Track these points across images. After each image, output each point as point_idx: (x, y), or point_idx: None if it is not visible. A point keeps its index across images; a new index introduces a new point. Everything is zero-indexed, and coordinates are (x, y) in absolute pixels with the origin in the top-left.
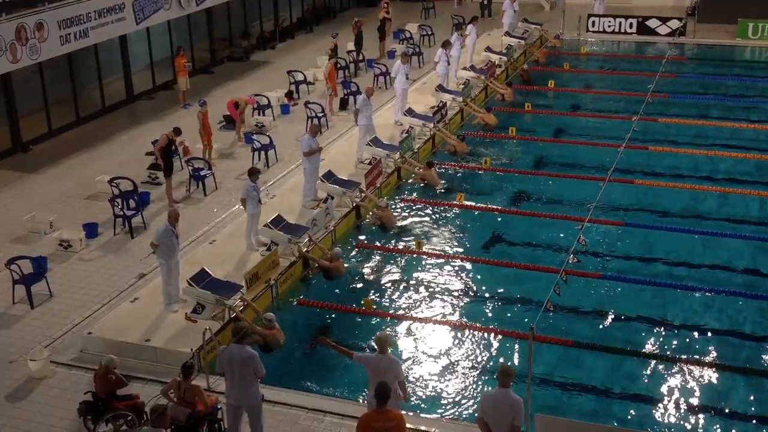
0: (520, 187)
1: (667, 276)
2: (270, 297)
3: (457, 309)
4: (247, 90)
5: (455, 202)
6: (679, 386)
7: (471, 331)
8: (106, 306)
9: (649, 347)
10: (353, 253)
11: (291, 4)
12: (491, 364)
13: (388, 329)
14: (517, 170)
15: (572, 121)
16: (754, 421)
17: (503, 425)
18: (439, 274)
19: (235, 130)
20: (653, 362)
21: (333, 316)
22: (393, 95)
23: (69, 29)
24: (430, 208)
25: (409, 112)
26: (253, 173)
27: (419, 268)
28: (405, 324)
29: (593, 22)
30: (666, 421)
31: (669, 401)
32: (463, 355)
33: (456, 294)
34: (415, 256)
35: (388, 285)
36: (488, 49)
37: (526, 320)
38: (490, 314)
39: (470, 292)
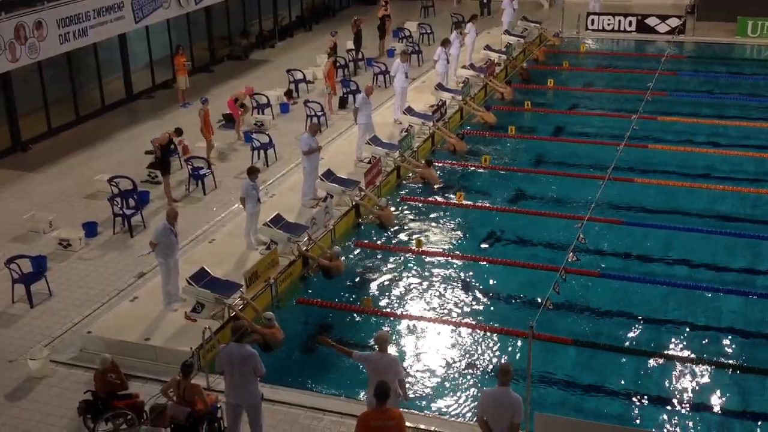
0: (520, 185)
1: (667, 274)
2: (269, 296)
3: (457, 307)
4: None
5: (455, 201)
6: (679, 385)
7: (470, 330)
8: (106, 305)
9: (649, 346)
10: (353, 252)
11: (290, 2)
12: (491, 362)
13: (387, 328)
14: (516, 169)
15: (571, 120)
16: (749, 419)
17: (503, 423)
18: (439, 273)
19: (234, 129)
20: (653, 360)
21: (332, 315)
22: (392, 94)
23: (68, 28)
24: (430, 206)
25: (409, 111)
26: (253, 172)
27: (419, 267)
28: (404, 322)
29: (592, 21)
30: (666, 419)
31: (669, 400)
32: (463, 353)
33: (455, 292)
34: (414, 254)
35: (388, 284)
36: (487, 47)
37: (525, 318)
38: (489, 313)
39: (469, 291)
